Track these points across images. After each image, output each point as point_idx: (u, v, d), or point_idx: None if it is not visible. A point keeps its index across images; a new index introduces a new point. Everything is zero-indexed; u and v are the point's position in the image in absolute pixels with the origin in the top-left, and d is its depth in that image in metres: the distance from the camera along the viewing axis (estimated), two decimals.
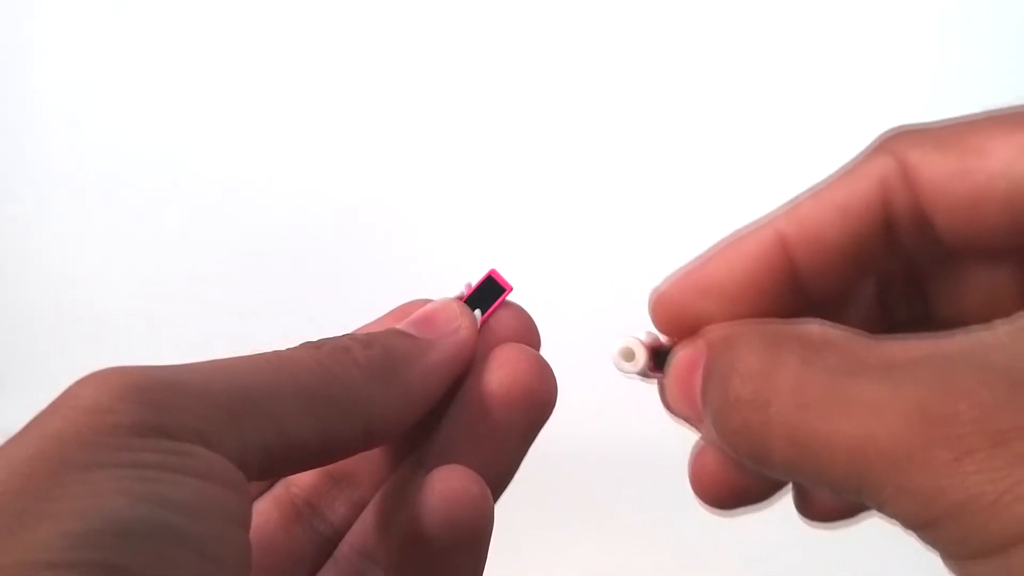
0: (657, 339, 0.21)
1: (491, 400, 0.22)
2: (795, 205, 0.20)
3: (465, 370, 0.22)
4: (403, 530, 0.21)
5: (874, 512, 0.16)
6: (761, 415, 0.16)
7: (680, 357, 0.19)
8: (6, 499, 0.15)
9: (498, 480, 0.22)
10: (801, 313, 0.19)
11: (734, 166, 0.80)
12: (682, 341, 0.20)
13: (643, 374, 0.21)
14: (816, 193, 0.20)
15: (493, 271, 0.24)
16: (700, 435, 0.20)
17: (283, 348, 0.23)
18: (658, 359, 0.21)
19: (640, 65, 0.80)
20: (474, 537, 0.20)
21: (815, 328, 0.18)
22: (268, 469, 0.18)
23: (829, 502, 0.22)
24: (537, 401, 0.22)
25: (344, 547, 0.24)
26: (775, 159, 0.80)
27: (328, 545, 0.24)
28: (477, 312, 0.23)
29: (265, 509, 0.24)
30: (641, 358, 0.21)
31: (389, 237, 0.83)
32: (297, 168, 0.85)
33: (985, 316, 0.16)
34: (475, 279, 0.24)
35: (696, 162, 0.81)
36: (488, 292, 0.24)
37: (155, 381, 0.17)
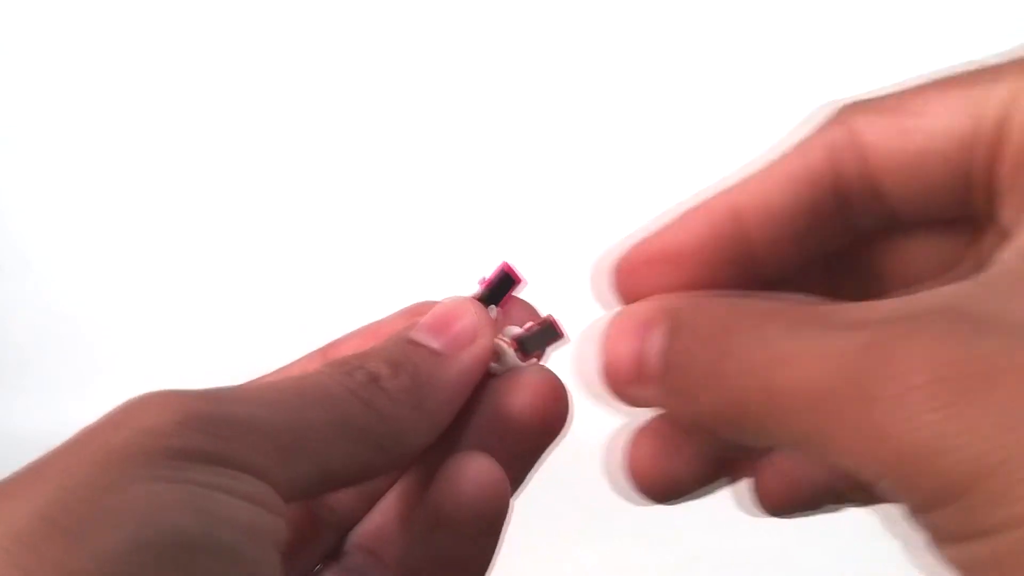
0: (517, 331, 0.23)
1: (511, 422, 0.22)
2: (747, 176, 0.20)
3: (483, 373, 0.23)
4: (427, 515, 0.21)
5: (857, 512, 0.15)
6: (724, 370, 0.16)
7: (626, 321, 0.19)
8: (73, 505, 0.15)
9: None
10: (754, 286, 0.19)
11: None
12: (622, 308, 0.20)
13: (516, 365, 0.23)
14: (768, 164, 0.19)
15: (506, 264, 0.24)
16: (627, 406, 0.20)
17: (301, 361, 0.24)
18: (529, 344, 0.23)
19: (643, 62, 0.80)
20: (496, 522, 0.21)
21: (770, 295, 0.18)
22: (304, 494, 0.19)
23: (787, 491, 0.23)
24: (554, 428, 0.23)
25: (350, 544, 0.24)
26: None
27: (331, 533, 0.24)
28: (492, 308, 0.23)
29: None
30: (510, 356, 0.23)
31: (391, 234, 0.83)
32: (297, 168, 0.85)
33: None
34: (487, 272, 0.24)
35: (697, 159, 0.81)
36: (501, 285, 0.24)
37: (211, 411, 0.18)
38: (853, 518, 0.70)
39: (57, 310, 0.89)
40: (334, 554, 0.24)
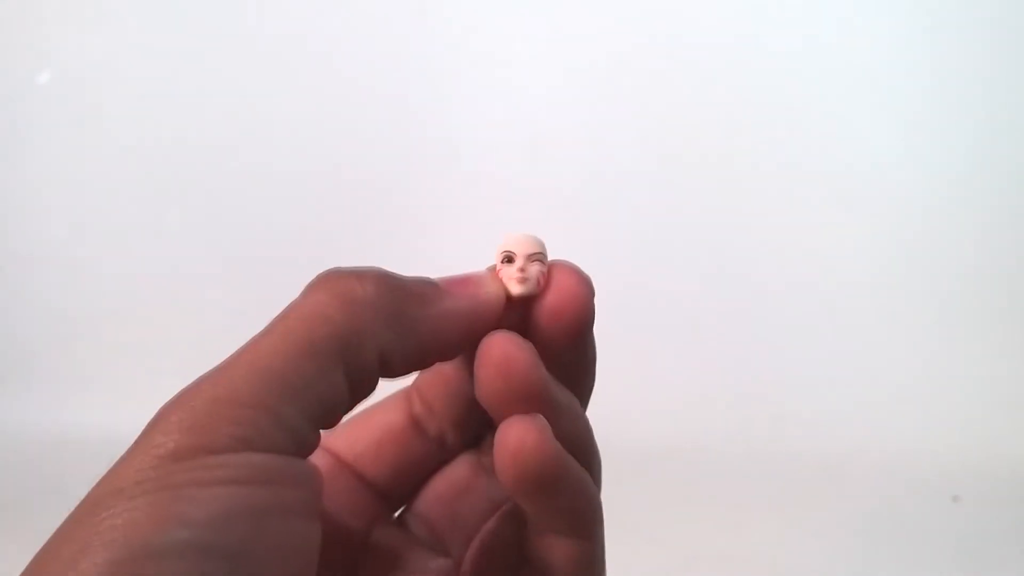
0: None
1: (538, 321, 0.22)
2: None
3: (486, 328, 0.22)
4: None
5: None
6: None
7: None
8: (66, 529, 0.17)
9: None
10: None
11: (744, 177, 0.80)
12: None
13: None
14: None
15: None
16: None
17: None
18: None
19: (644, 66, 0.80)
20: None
21: None
22: (318, 426, 0.20)
23: None
24: (579, 310, 0.22)
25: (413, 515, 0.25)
26: (778, 170, 0.80)
27: (383, 501, 0.24)
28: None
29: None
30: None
31: (394, 233, 0.83)
32: (298, 167, 0.85)
33: None
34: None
35: (702, 165, 0.81)
36: None
37: (192, 404, 0.18)
38: (854, 518, 0.70)
39: (58, 310, 0.89)
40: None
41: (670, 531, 0.63)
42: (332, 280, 0.20)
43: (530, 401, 0.20)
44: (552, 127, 0.82)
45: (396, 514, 0.25)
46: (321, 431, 0.20)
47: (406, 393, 0.25)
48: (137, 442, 0.18)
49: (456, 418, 0.24)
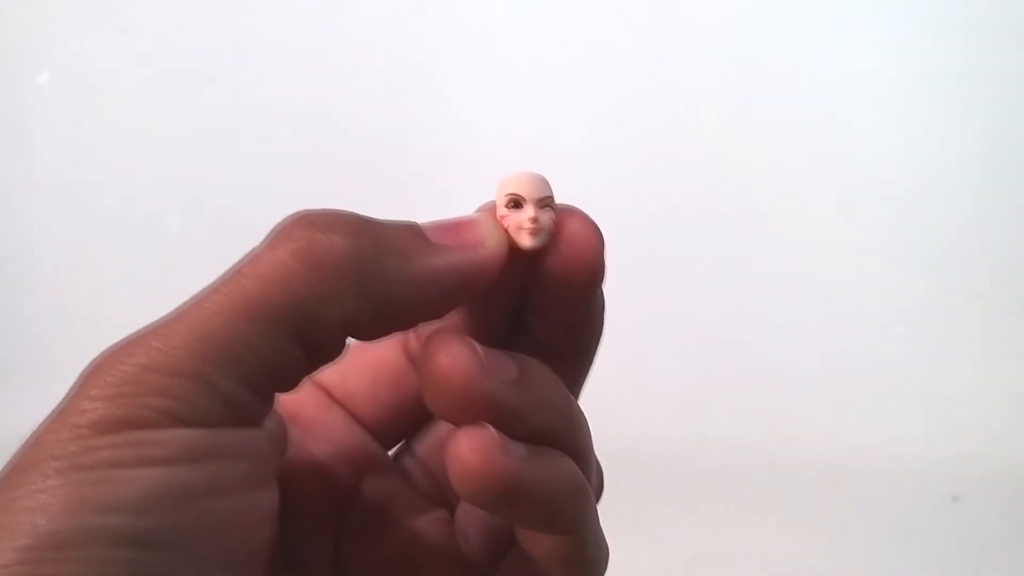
0: None
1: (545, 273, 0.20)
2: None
3: (482, 288, 0.19)
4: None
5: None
6: None
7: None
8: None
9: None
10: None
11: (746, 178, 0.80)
12: None
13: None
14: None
15: None
16: None
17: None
18: None
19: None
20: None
21: None
22: (267, 394, 0.18)
23: None
24: (588, 259, 0.20)
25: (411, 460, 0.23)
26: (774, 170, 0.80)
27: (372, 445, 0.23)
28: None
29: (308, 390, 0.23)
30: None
31: None
32: (298, 168, 0.85)
33: None
34: None
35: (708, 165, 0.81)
36: None
37: (122, 367, 0.16)
38: (854, 518, 0.70)
39: (58, 310, 0.89)
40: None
41: (670, 531, 0.63)
42: (296, 232, 0.18)
43: (475, 412, 0.18)
44: (551, 127, 0.82)
45: (392, 451, 0.23)
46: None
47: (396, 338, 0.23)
48: (62, 406, 0.16)
49: None
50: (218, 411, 0.17)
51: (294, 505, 0.21)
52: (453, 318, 0.21)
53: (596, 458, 0.22)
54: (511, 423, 0.18)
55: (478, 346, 0.18)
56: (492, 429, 0.18)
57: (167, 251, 0.87)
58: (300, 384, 0.18)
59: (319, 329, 0.17)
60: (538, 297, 0.20)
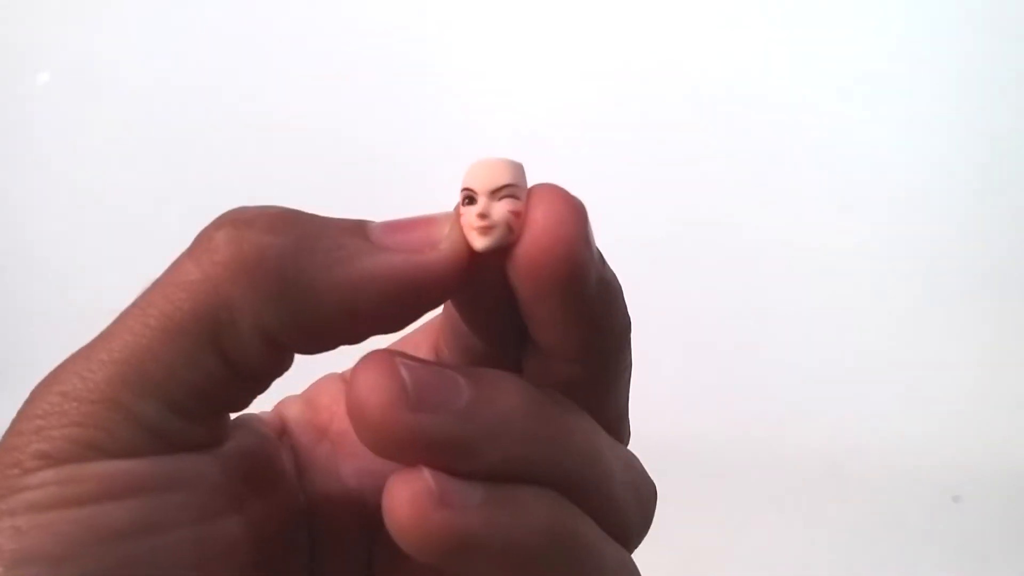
0: None
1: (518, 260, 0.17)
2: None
3: (440, 296, 0.17)
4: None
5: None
6: None
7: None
8: None
9: None
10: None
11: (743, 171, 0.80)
12: None
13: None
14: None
15: None
16: None
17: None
18: None
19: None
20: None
21: None
22: (200, 416, 0.16)
23: None
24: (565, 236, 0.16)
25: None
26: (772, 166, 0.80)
27: None
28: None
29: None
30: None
31: None
32: (298, 168, 0.85)
33: None
34: None
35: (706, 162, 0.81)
36: None
37: (49, 398, 0.15)
38: (854, 518, 0.70)
39: (58, 310, 0.89)
40: None
41: (670, 531, 0.63)
42: (213, 231, 0.16)
43: (406, 453, 0.15)
44: (551, 126, 0.82)
45: None
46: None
47: (433, 327, 0.20)
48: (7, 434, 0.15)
49: (469, 361, 0.19)
50: (141, 439, 0.15)
51: (323, 526, 0.19)
52: (450, 328, 0.19)
53: (638, 484, 0.18)
54: (459, 461, 0.15)
55: (410, 369, 0.15)
56: (427, 474, 0.15)
57: (167, 251, 0.87)
58: (251, 401, 0.17)
59: (235, 341, 0.15)
60: (521, 301, 0.17)
